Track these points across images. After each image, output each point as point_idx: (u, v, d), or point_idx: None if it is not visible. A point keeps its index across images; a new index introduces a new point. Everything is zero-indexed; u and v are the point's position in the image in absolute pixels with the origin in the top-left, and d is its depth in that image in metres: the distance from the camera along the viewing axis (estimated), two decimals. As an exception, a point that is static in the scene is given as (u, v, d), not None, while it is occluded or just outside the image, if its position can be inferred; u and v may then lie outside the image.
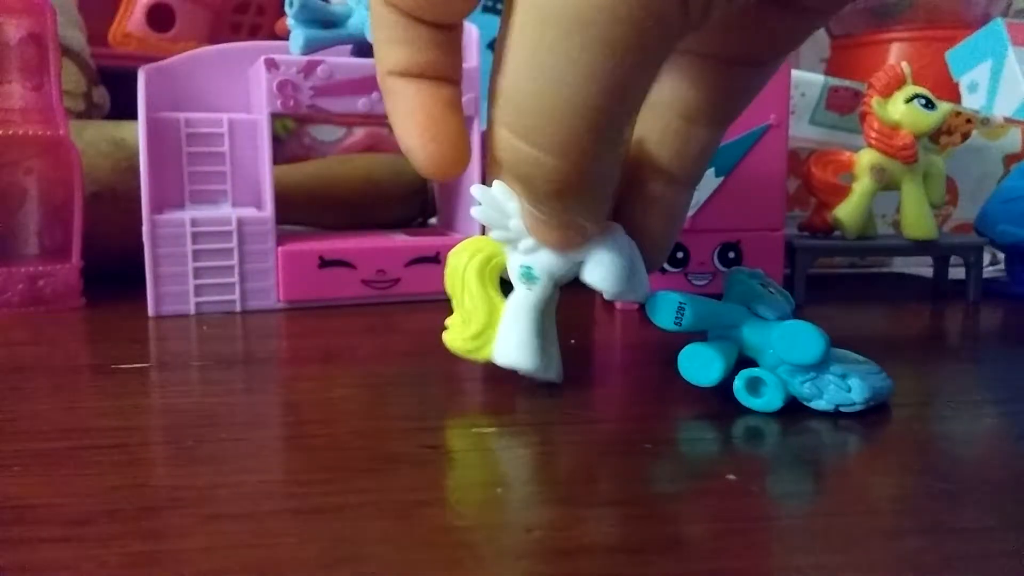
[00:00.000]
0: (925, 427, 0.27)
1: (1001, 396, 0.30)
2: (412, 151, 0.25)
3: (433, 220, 0.66)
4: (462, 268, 0.29)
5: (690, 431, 0.26)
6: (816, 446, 0.25)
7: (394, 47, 0.25)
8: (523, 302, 0.28)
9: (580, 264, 0.27)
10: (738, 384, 0.27)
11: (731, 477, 0.22)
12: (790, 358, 0.27)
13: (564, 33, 0.19)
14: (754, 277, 0.31)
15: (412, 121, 0.25)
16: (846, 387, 0.27)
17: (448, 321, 0.29)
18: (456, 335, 0.29)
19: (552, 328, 0.29)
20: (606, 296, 0.27)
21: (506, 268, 0.29)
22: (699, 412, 0.28)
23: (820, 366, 0.27)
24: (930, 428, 0.27)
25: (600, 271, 0.26)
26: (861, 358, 0.28)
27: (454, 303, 0.29)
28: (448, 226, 0.55)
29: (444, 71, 0.26)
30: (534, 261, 0.27)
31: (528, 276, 0.27)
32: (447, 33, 0.25)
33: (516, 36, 0.20)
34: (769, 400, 0.27)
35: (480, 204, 0.27)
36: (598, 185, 0.23)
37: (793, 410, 0.27)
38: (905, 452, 0.25)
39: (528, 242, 0.27)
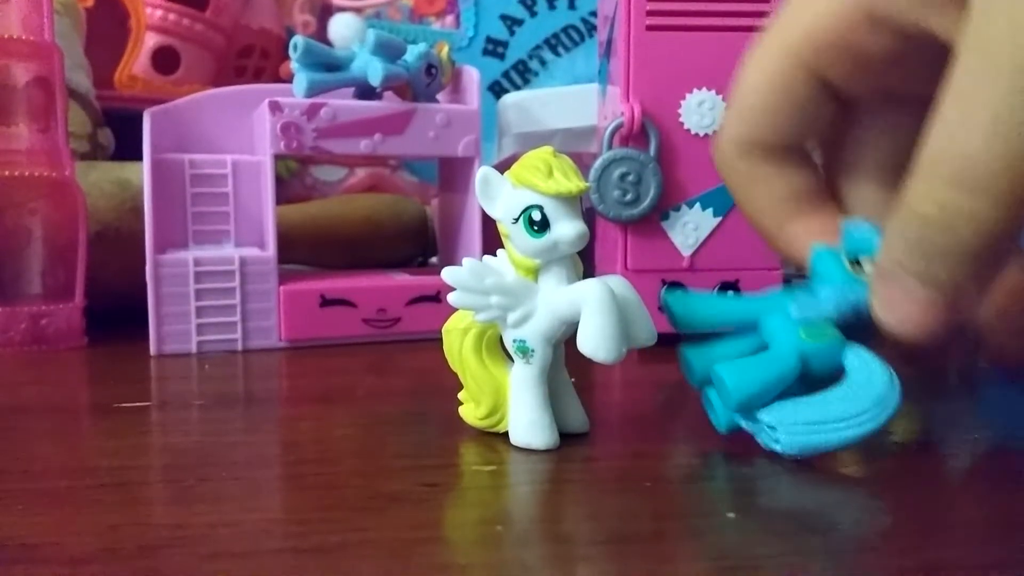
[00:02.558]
0: (919, 464, 0.27)
1: (996, 433, 0.30)
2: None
3: (434, 259, 0.66)
4: (458, 350, 0.28)
5: (690, 469, 0.26)
6: (815, 483, 0.25)
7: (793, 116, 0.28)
8: (525, 377, 0.28)
9: (573, 324, 0.26)
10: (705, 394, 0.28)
11: (731, 515, 0.22)
12: (719, 394, 0.27)
13: None
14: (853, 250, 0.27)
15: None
16: (774, 439, 0.26)
17: (461, 396, 0.29)
18: (470, 413, 0.29)
19: (565, 384, 0.29)
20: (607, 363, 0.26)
21: (502, 336, 0.28)
22: (699, 450, 0.28)
23: (747, 413, 0.26)
24: (924, 464, 0.27)
25: (592, 342, 0.25)
26: (859, 381, 0.26)
27: (461, 380, 0.29)
28: (449, 264, 0.55)
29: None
30: (526, 333, 0.27)
31: (523, 350, 0.27)
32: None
33: (974, 87, 0.20)
34: (715, 419, 0.28)
35: (456, 289, 0.27)
36: (1009, 247, 0.22)
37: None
38: (904, 488, 0.25)
39: (515, 315, 0.27)
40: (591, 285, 0.25)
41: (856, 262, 0.27)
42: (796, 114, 0.27)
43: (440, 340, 0.29)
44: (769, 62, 0.27)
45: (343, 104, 0.47)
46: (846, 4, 0.25)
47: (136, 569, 0.19)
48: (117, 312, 0.50)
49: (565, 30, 0.84)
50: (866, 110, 0.29)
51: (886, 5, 0.24)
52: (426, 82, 0.49)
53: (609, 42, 0.46)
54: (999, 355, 0.28)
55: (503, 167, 0.27)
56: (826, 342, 0.26)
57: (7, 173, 0.45)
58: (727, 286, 0.45)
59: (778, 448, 0.26)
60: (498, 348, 0.29)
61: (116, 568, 0.19)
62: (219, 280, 0.45)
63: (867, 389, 0.25)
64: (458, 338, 0.28)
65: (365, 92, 0.48)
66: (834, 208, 0.29)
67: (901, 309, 0.23)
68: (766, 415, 0.26)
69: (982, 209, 0.21)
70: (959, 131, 0.21)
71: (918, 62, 0.25)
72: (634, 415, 0.34)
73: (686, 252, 0.44)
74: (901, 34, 0.24)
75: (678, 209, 0.44)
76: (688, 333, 0.29)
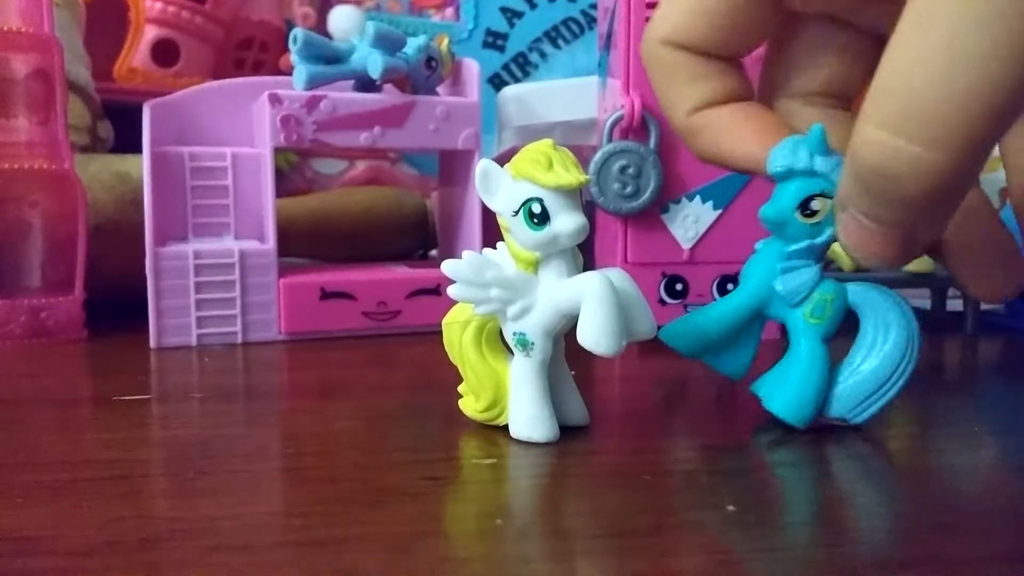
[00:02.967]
0: (922, 458, 0.27)
1: (998, 428, 0.30)
2: (758, 159, 0.27)
3: (434, 252, 0.66)
4: (458, 343, 0.29)
5: (689, 463, 0.27)
6: (814, 477, 0.25)
7: (695, 85, 0.27)
8: (525, 369, 0.28)
9: (573, 317, 0.26)
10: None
11: (731, 508, 0.22)
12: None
13: (995, 14, 0.18)
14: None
15: (746, 132, 0.27)
16: (846, 422, 0.28)
17: (461, 389, 0.29)
18: (470, 407, 0.29)
19: (565, 377, 0.29)
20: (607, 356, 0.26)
21: (502, 329, 0.28)
22: (698, 444, 0.28)
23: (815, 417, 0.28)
24: (927, 459, 0.27)
25: (592, 335, 0.25)
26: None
27: (461, 373, 0.29)
28: (449, 258, 0.55)
29: (747, 94, 0.28)
30: (526, 326, 0.27)
31: (523, 343, 0.27)
32: (736, 63, 0.27)
33: (921, 26, 0.19)
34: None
35: (456, 282, 0.27)
36: (963, 189, 0.21)
37: (792, 443, 0.28)
38: (902, 483, 0.25)
39: (515, 308, 0.27)
40: (591, 278, 0.25)
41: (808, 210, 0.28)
42: (736, 17, 0.26)
43: (440, 333, 0.29)
44: None
45: (343, 97, 0.47)
46: None
47: (137, 562, 0.19)
48: (117, 305, 0.50)
49: (565, 23, 0.84)
50: (811, 28, 0.28)
51: None
52: (426, 75, 0.48)
53: (609, 35, 0.46)
54: (970, 286, 0.27)
55: (503, 160, 0.27)
56: (832, 311, 0.28)
57: (7, 166, 0.45)
58: (727, 280, 0.45)
59: (853, 423, 0.28)
60: (498, 341, 0.29)
61: (117, 561, 0.19)
62: (219, 273, 0.45)
63: (891, 332, 0.28)
64: (458, 331, 0.28)
65: (365, 85, 0.48)
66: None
67: (858, 238, 0.23)
68: (833, 412, 0.28)
69: (927, 157, 0.19)
70: (905, 67, 0.19)
71: None
72: (634, 409, 0.34)
73: (686, 245, 0.44)
74: None
75: (678, 202, 0.44)
76: (705, 354, 0.30)
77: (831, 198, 0.27)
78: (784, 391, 0.28)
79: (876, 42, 0.27)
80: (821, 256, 0.28)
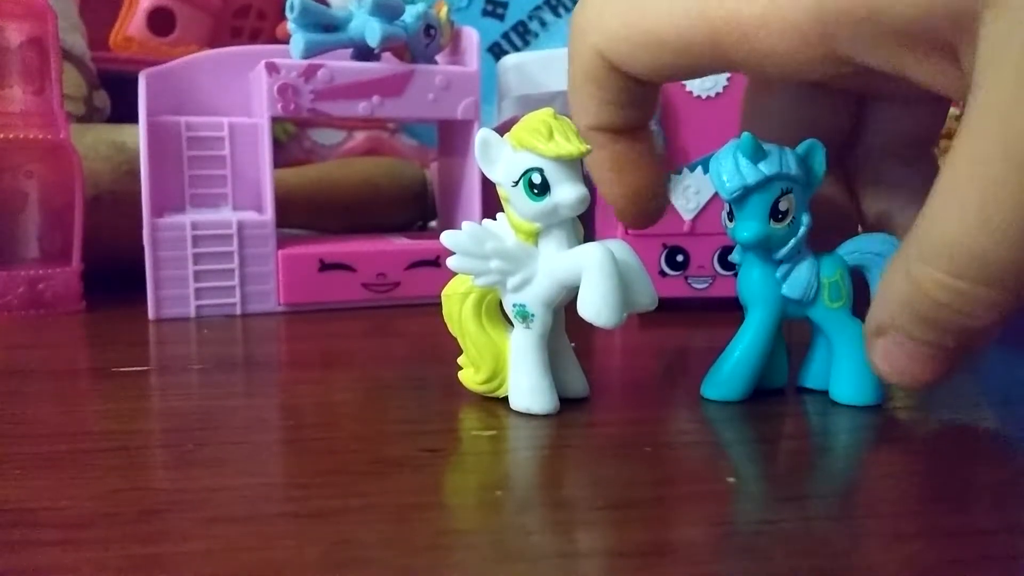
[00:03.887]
0: (924, 430, 0.27)
1: (1000, 399, 0.30)
2: (622, 213, 0.29)
3: (433, 223, 0.66)
4: (458, 314, 0.28)
5: (690, 434, 0.26)
6: (815, 450, 0.25)
7: (605, 107, 0.27)
8: (525, 341, 0.27)
9: (574, 289, 0.26)
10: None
11: (731, 480, 0.22)
12: None
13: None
14: None
15: (622, 185, 0.28)
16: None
17: (461, 361, 0.29)
18: (469, 378, 0.29)
19: (565, 348, 0.29)
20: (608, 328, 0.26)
21: (502, 301, 0.28)
22: (699, 415, 0.28)
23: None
24: (929, 431, 0.27)
25: (592, 307, 0.25)
26: None
27: (460, 345, 0.29)
28: (449, 229, 0.55)
29: (643, 123, 0.28)
30: (526, 298, 0.27)
31: (523, 315, 0.27)
32: (654, 88, 0.27)
33: (963, 182, 0.20)
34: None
35: (455, 253, 0.27)
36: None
37: (794, 415, 0.28)
38: (904, 454, 0.25)
39: (515, 280, 0.26)
40: (592, 249, 0.25)
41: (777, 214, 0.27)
42: (696, 63, 0.25)
43: (439, 305, 0.29)
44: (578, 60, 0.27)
45: (341, 66, 0.46)
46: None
47: (135, 533, 0.19)
48: (115, 276, 0.50)
49: (566, -10, 0.83)
50: (791, 88, 0.29)
51: (850, 46, 0.22)
52: (425, 43, 0.48)
53: (611, 2, 0.45)
54: None
55: (503, 130, 0.27)
56: (846, 287, 0.28)
57: (1, 136, 0.44)
58: (728, 251, 0.44)
59: None
60: (498, 313, 0.29)
61: (115, 532, 0.19)
62: (217, 244, 0.45)
63: None
64: (457, 303, 0.28)
65: (363, 53, 0.48)
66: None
67: (904, 363, 0.24)
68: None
69: (998, 297, 0.21)
70: (965, 221, 0.20)
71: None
72: (634, 380, 0.34)
73: (687, 216, 0.44)
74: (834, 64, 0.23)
75: (679, 173, 0.43)
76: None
77: (792, 191, 0.27)
78: (848, 380, 0.28)
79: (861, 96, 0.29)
80: (805, 245, 0.28)
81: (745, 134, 0.26)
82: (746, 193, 0.27)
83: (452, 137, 0.53)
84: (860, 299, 0.28)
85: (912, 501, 0.21)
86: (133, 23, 0.71)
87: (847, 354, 0.28)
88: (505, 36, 0.82)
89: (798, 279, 0.28)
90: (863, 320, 0.25)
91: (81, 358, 0.38)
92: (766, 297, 0.28)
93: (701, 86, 0.43)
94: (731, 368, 0.28)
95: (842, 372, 0.28)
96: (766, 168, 0.26)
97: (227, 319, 0.44)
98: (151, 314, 0.44)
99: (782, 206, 0.27)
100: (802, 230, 0.27)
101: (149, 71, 0.46)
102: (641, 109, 0.27)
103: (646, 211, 0.29)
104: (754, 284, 0.28)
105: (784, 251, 0.27)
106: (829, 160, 0.28)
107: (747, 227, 0.27)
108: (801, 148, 0.27)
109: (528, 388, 0.27)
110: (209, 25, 0.76)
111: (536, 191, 0.25)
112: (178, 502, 0.20)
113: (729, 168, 0.27)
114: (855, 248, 0.28)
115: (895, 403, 0.29)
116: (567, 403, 0.28)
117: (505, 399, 0.28)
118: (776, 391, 0.29)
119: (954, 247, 0.20)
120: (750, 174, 0.26)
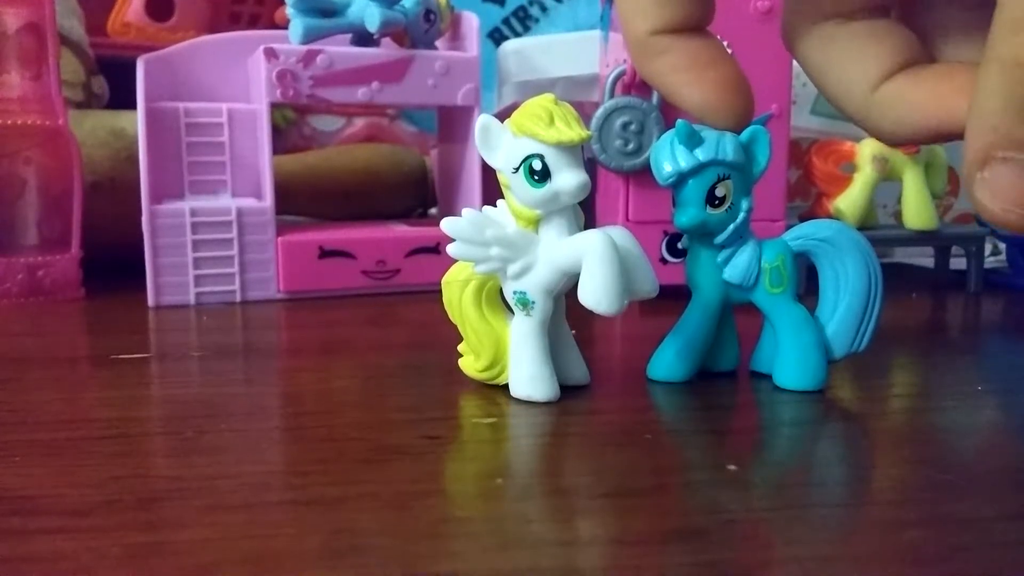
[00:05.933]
0: (925, 418, 0.27)
1: (1001, 387, 0.30)
2: (716, 111, 0.25)
3: (433, 210, 0.65)
4: (458, 302, 0.28)
5: (690, 422, 0.26)
6: (816, 437, 0.25)
7: (665, 4, 0.24)
8: (525, 328, 0.27)
9: (574, 276, 0.26)
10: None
11: (732, 468, 0.22)
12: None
13: None
14: None
15: (705, 82, 0.25)
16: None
17: (461, 348, 0.29)
18: (470, 366, 0.29)
19: (566, 336, 0.29)
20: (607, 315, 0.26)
21: (502, 288, 0.28)
22: (699, 403, 0.28)
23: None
24: (930, 419, 0.27)
25: (593, 294, 0.25)
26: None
27: (461, 332, 0.29)
28: (449, 215, 0.55)
29: (708, 21, 0.25)
30: (526, 285, 0.27)
31: (524, 302, 0.27)
32: None
33: None
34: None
35: (455, 240, 0.27)
36: None
37: (794, 403, 0.27)
38: (905, 443, 0.25)
39: (515, 267, 0.26)
40: (592, 236, 0.25)
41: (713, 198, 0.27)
42: None
43: (440, 292, 0.29)
44: None
45: (340, 51, 0.46)
46: None
47: (135, 521, 0.19)
48: (114, 263, 0.49)
49: (566, -25, 0.82)
50: None
51: None
52: (424, 28, 0.48)
53: (612, -13, 0.45)
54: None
55: (503, 116, 0.27)
56: (787, 273, 0.28)
57: (-1, 122, 0.44)
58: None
59: (861, 352, 0.29)
60: (498, 300, 0.28)
61: (115, 520, 0.19)
62: (216, 231, 0.45)
63: (847, 264, 0.28)
64: (458, 290, 0.28)
65: (362, 39, 0.47)
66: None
67: (1015, 190, 0.19)
68: (837, 355, 0.29)
69: None
70: None
71: None
72: (635, 368, 0.33)
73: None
74: None
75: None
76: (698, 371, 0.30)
77: (729, 177, 0.27)
78: (788, 365, 0.28)
79: None
80: (746, 230, 0.28)
81: (680, 121, 0.26)
82: (682, 179, 0.27)
83: (452, 123, 0.53)
84: (808, 285, 0.28)
85: (913, 489, 0.21)
86: (131, 8, 0.71)
87: (788, 339, 0.28)
88: (505, 21, 0.82)
89: (738, 264, 0.28)
90: (807, 307, 0.25)
91: (80, 345, 0.37)
92: (709, 282, 0.29)
93: None
94: (675, 351, 0.29)
95: (784, 357, 0.28)
96: (701, 154, 0.27)
97: (227, 306, 0.44)
98: (150, 301, 0.44)
99: (719, 192, 0.27)
100: (741, 215, 0.27)
101: (147, 57, 0.45)
102: (701, 3, 0.26)
103: (742, 105, 0.27)
104: (698, 269, 0.29)
105: (723, 236, 0.28)
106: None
107: (684, 213, 0.27)
108: (744, 135, 0.27)
109: (528, 376, 0.27)
110: (207, 10, 0.75)
111: (537, 177, 0.25)
112: (178, 490, 0.20)
113: (666, 154, 0.27)
114: (800, 234, 0.29)
115: (895, 390, 0.28)
116: (567, 390, 0.28)
117: (505, 386, 0.28)
118: (726, 374, 0.30)
119: None
120: (685, 160, 0.27)
